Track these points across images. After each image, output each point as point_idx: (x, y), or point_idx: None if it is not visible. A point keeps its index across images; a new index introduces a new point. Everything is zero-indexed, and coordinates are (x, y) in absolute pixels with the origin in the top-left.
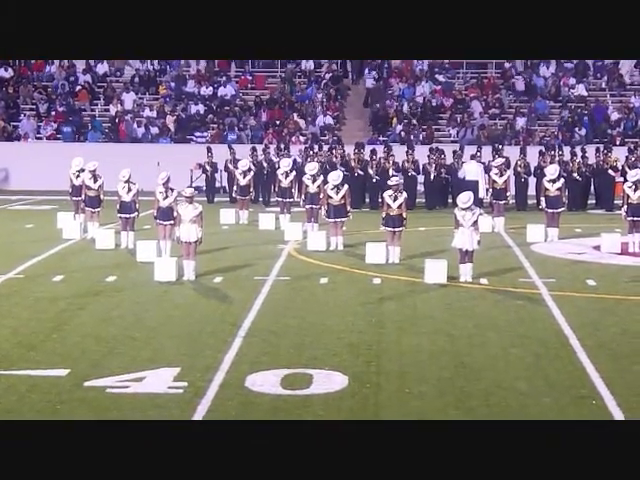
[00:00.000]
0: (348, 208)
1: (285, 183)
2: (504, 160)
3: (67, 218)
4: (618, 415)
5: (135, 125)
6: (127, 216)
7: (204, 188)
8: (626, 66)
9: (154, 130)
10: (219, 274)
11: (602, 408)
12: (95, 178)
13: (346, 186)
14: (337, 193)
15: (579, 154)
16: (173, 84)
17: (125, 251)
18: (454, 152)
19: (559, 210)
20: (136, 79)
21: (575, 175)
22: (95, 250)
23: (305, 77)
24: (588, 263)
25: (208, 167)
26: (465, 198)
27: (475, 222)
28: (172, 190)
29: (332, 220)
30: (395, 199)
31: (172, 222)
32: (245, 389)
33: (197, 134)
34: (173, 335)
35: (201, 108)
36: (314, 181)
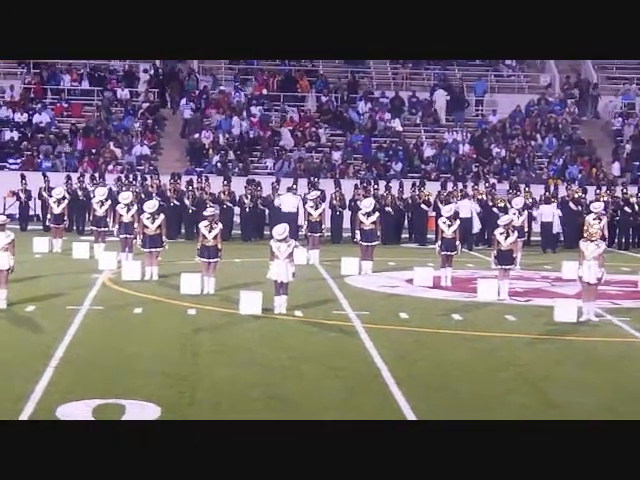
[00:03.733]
0: (164, 238)
1: (100, 212)
2: (320, 193)
3: None
4: None
5: None
6: None
7: (17, 216)
8: (440, 101)
9: None
10: (31, 303)
11: None
12: None
13: (162, 215)
14: (153, 222)
15: (394, 188)
16: None
17: None
18: (272, 184)
19: (373, 243)
20: None
21: (389, 209)
22: None
23: (122, 106)
24: (401, 296)
25: (22, 194)
26: (281, 230)
27: (290, 254)
28: None
29: (147, 250)
30: (211, 230)
31: None
32: (55, 419)
33: (10, 161)
34: None
35: (15, 135)
36: (128, 210)
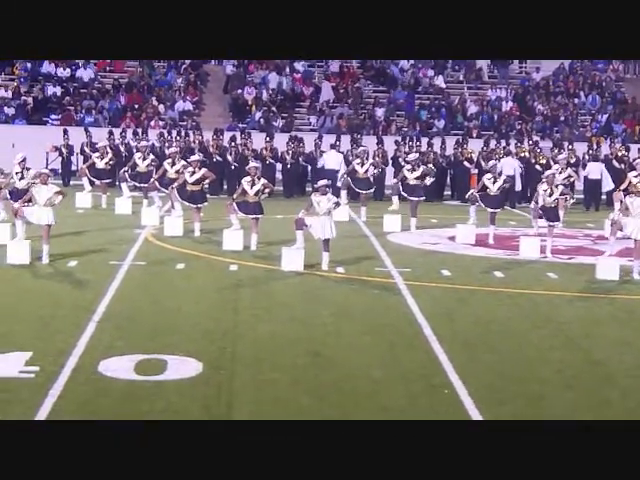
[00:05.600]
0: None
1: (142, 167)
2: (366, 149)
3: None
4: (468, 404)
5: None
6: None
7: (59, 171)
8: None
9: (9, 111)
10: (73, 258)
11: (453, 397)
12: None
13: (203, 169)
14: (192, 175)
15: (437, 145)
16: (29, 65)
17: None
18: (314, 141)
19: (418, 199)
20: None
21: (431, 166)
22: None
23: (165, 61)
24: (443, 253)
25: (64, 149)
26: (322, 183)
27: (330, 210)
28: (28, 170)
29: (194, 206)
30: (253, 185)
31: (27, 204)
32: (98, 374)
33: (53, 116)
34: (24, 319)
35: (58, 90)
36: (173, 165)
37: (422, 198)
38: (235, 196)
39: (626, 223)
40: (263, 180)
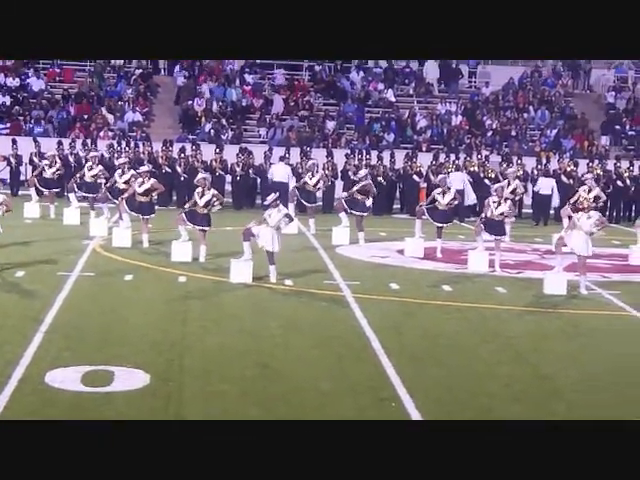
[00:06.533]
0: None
1: (88, 177)
2: (315, 162)
3: None
4: (416, 417)
5: None
6: None
7: (8, 180)
8: (431, 73)
9: None
10: (21, 268)
11: (401, 410)
12: None
13: (151, 180)
14: (140, 186)
15: (386, 158)
16: None
17: None
18: (264, 153)
19: (364, 214)
20: None
21: (380, 179)
22: None
23: (115, 72)
24: (392, 267)
25: (12, 159)
26: (271, 199)
27: (278, 221)
28: None
29: (142, 217)
30: (202, 195)
31: None
32: (45, 385)
33: (1, 126)
34: None
35: (7, 99)
36: (122, 175)
37: (365, 213)
38: (187, 207)
39: (569, 238)
40: (213, 191)
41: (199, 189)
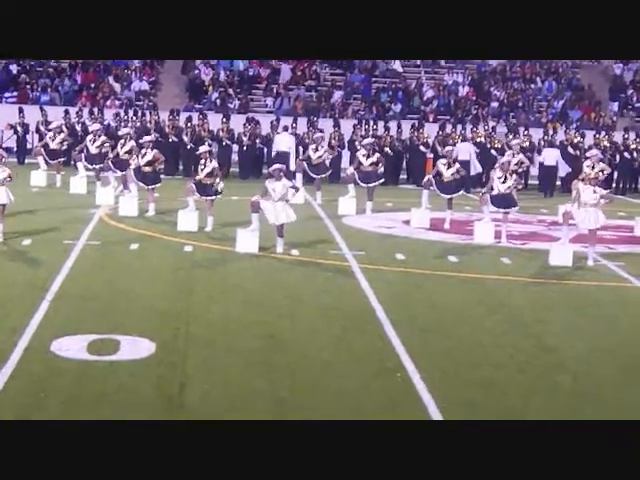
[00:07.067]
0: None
1: (93, 149)
2: (321, 134)
3: None
4: (421, 388)
5: None
6: None
7: (15, 149)
8: None
9: None
10: (28, 237)
11: (406, 381)
12: None
13: (154, 150)
14: (143, 157)
15: (393, 129)
16: None
17: None
18: (271, 123)
19: (372, 184)
20: None
21: (387, 150)
22: None
23: None
24: (398, 237)
25: (19, 128)
26: (275, 167)
27: (284, 195)
28: None
29: (147, 187)
30: (204, 167)
31: None
32: (50, 353)
33: (7, 94)
34: None
35: (14, 68)
36: (124, 145)
37: (377, 183)
38: (196, 178)
39: (577, 214)
40: (214, 163)
41: (202, 160)
